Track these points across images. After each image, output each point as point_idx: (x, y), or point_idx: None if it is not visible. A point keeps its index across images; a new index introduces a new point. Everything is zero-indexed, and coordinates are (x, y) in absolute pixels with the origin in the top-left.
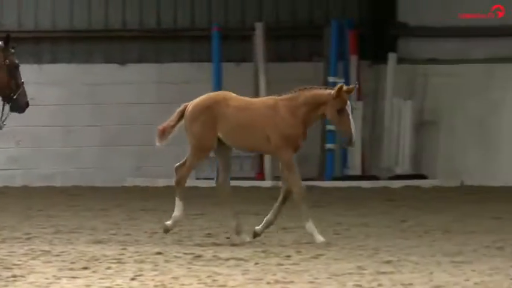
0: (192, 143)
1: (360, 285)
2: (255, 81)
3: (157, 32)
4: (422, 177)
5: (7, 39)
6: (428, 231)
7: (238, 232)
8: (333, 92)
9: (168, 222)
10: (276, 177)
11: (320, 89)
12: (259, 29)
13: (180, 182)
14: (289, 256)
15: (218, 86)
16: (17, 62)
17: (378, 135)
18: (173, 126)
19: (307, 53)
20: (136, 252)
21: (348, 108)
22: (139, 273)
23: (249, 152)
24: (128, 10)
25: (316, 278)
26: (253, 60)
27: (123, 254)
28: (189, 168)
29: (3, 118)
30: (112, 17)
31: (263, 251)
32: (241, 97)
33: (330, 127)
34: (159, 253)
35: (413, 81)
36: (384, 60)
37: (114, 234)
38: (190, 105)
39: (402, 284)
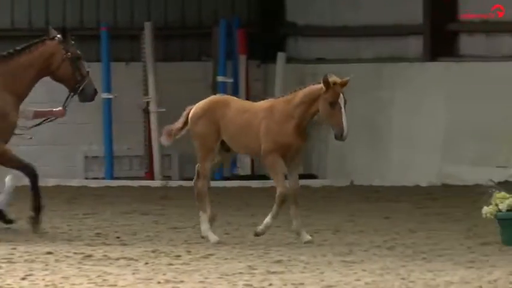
0: (197, 145)
1: (251, 285)
2: (144, 81)
3: (46, 32)
4: (312, 176)
5: (64, 32)
6: (318, 231)
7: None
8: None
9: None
10: (166, 177)
11: (315, 84)
12: (148, 28)
13: (199, 194)
14: (179, 256)
15: (107, 86)
16: (78, 52)
17: None
18: (180, 129)
19: (196, 52)
20: (27, 252)
21: (341, 102)
22: (29, 272)
23: (250, 155)
24: (16, 10)
25: (207, 278)
26: (142, 60)
27: (13, 254)
28: (203, 174)
29: (66, 104)
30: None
31: (153, 251)
32: (243, 100)
33: None
34: (49, 253)
35: (303, 81)
36: (272, 59)
37: (4, 234)
38: (194, 107)
39: (293, 284)
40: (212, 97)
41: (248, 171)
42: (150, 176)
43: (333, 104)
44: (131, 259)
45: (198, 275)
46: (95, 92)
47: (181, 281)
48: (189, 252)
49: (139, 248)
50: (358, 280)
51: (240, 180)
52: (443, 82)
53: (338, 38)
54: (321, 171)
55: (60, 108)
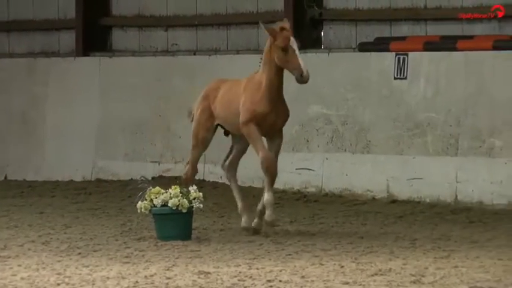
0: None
1: None
2: None
3: None
4: None
5: None
6: None
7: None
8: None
9: None
10: None
11: None
12: None
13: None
14: None
15: None
16: None
17: None
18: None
19: None
20: None
21: (293, 44)
22: None
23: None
24: None
25: None
26: None
27: None
28: (190, 162)
29: None
30: None
31: None
32: (233, 79)
33: None
34: None
35: None
36: None
37: None
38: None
39: None
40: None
41: None
42: None
43: (285, 49)
44: None
45: None
46: None
47: None
48: None
49: None
50: (14, 275)
51: None
52: (96, 77)
53: None
54: None
55: None
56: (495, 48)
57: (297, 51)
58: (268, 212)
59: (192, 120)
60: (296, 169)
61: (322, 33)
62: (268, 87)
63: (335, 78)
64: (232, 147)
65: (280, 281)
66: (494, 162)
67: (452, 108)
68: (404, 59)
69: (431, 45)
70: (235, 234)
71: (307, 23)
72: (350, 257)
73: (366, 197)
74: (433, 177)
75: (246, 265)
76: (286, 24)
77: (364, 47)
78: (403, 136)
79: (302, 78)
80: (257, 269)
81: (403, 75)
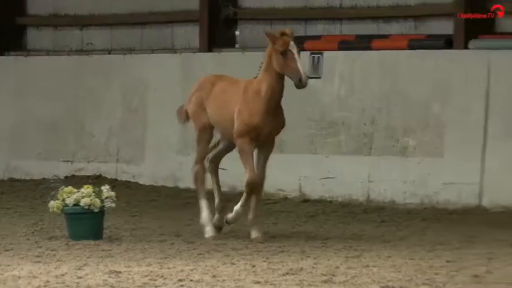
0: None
1: None
2: None
3: None
4: None
5: None
6: None
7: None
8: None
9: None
10: None
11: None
12: None
13: (195, 177)
14: None
15: None
16: None
17: None
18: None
19: None
20: None
21: (292, 49)
22: None
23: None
24: None
25: None
26: None
27: None
28: (198, 157)
29: None
30: None
31: None
32: (232, 78)
33: None
34: None
35: None
36: None
37: None
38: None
39: None
40: (204, 76)
41: None
42: None
43: (284, 52)
44: None
45: None
46: None
47: None
48: None
49: None
50: None
51: None
52: (11, 76)
53: None
54: None
55: None
56: (410, 47)
57: (296, 56)
58: (230, 217)
59: (181, 121)
60: None
61: (238, 32)
62: (269, 95)
63: (249, 77)
64: (219, 142)
65: (191, 280)
66: (407, 161)
67: (367, 107)
68: (319, 58)
69: (346, 44)
70: (147, 234)
71: (222, 23)
72: (261, 256)
73: (278, 196)
74: (345, 177)
75: (157, 264)
76: (288, 30)
77: None
78: (317, 135)
79: (300, 83)
80: (168, 268)
81: (318, 74)
